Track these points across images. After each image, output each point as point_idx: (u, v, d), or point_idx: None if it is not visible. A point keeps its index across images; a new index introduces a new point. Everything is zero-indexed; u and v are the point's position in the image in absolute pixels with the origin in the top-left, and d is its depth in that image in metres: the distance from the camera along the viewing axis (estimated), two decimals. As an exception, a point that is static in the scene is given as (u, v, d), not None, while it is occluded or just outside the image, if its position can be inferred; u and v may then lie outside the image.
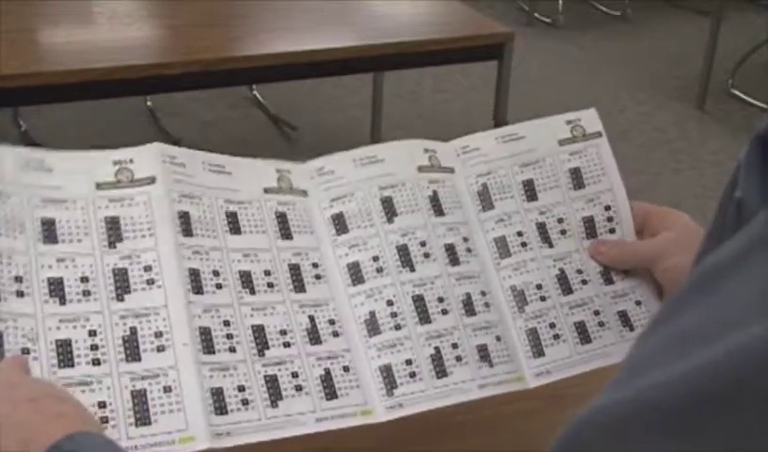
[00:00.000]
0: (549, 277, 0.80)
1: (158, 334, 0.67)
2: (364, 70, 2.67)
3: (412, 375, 0.73)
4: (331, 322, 0.73)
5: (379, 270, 0.76)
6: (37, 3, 2.24)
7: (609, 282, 0.81)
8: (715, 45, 3.64)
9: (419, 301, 0.75)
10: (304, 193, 0.77)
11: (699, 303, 0.34)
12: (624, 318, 0.81)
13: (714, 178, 3.21)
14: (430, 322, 0.75)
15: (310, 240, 0.76)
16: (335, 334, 0.73)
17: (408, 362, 0.73)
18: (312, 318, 0.72)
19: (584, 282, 0.81)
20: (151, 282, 0.69)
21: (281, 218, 0.75)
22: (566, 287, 0.80)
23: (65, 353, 0.65)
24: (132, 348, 0.66)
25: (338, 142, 3.28)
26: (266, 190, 0.76)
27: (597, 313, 0.80)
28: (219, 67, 2.04)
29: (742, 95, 3.78)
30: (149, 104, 3.37)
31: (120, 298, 0.68)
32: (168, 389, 0.66)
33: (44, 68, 1.96)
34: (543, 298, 0.79)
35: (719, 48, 3.66)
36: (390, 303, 0.75)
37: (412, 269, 0.76)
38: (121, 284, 0.68)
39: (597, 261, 0.82)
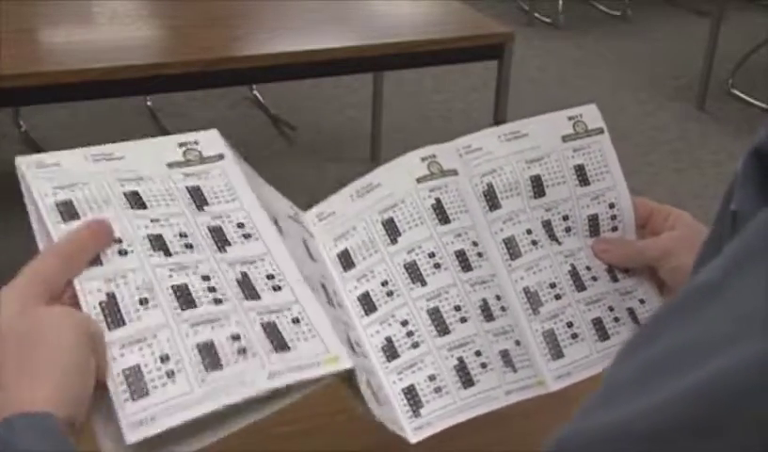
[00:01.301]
0: (561, 274, 0.79)
1: (270, 276, 0.68)
2: (364, 70, 2.67)
3: (437, 390, 0.72)
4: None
5: (390, 294, 0.75)
6: (37, 3, 2.24)
7: (615, 279, 0.81)
8: (715, 45, 3.64)
9: (435, 314, 0.74)
10: (311, 235, 0.77)
11: (679, 326, 0.34)
12: (633, 315, 0.80)
13: (714, 178, 3.21)
14: (449, 332, 0.74)
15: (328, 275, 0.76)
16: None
17: (432, 377, 0.72)
18: None
19: (594, 278, 0.80)
20: (247, 236, 0.69)
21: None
22: (579, 284, 0.79)
23: (184, 296, 0.64)
24: (249, 289, 0.66)
25: (338, 142, 3.29)
26: None
27: (611, 308, 0.80)
28: (219, 67, 2.04)
29: (742, 95, 3.78)
30: (149, 103, 3.37)
31: (222, 250, 0.68)
32: (296, 320, 0.66)
33: (44, 68, 1.96)
34: (558, 297, 0.78)
35: (719, 48, 3.66)
36: (404, 323, 0.74)
37: (423, 283, 0.75)
38: (219, 239, 0.68)
39: (601, 259, 0.81)
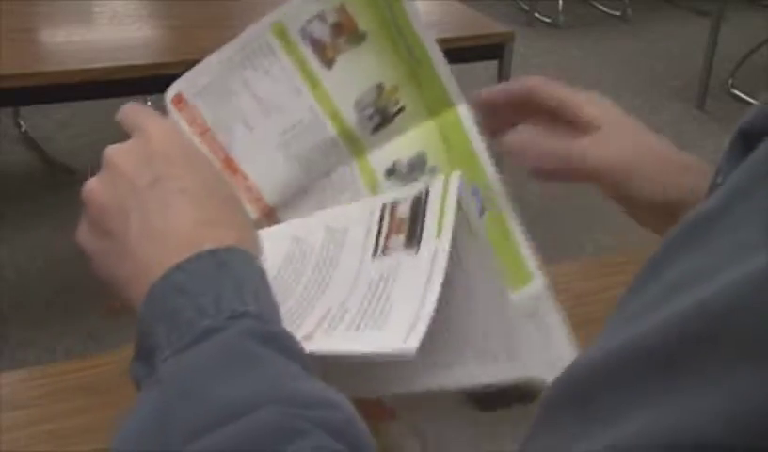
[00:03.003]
0: None
1: None
2: (364, 70, 2.67)
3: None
4: None
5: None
6: (37, 3, 2.24)
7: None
8: (715, 45, 3.64)
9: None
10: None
11: (687, 252, 0.34)
12: None
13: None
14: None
15: None
16: None
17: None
18: None
19: None
20: None
21: None
22: None
23: None
24: None
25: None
26: None
27: None
28: (219, 67, 2.04)
29: (742, 95, 3.79)
30: (149, 103, 3.36)
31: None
32: None
33: (44, 68, 1.96)
34: None
35: (719, 48, 3.66)
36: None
37: None
38: None
39: (516, 160, 0.71)
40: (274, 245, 0.67)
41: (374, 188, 0.71)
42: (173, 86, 0.68)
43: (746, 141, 0.39)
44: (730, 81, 3.87)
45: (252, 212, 0.69)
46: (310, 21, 0.70)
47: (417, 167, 0.71)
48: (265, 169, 0.70)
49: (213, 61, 0.69)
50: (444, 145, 0.71)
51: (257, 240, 0.62)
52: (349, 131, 0.70)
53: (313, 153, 0.70)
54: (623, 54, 4.30)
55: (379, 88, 0.71)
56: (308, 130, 0.70)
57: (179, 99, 0.68)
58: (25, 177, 3.09)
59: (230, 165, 0.69)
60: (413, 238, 0.60)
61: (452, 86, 0.71)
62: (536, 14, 4.61)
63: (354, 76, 0.70)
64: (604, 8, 4.83)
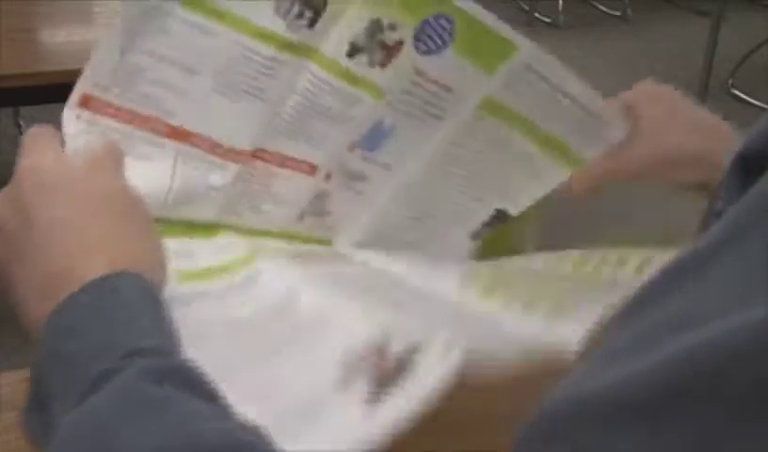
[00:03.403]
0: None
1: None
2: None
3: None
4: None
5: None
6: (37, 3, 2.24)
7: None
8: (715, 45, 3.64)
9: None
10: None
11: (677, 292, 0.33)
12: None
13: (714, 178, 3.20)
14: None
15: None
16: None
17: None
18: None
19: None
20: None
21: None
22: None
23: None
24: None
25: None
26: None
27: None
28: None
29: (742, 95, 3.78)
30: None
31: None
32: None
33: (44, 68, 1.96)
34: None
35: (719, 48, 3.66)
36: None
37: None
38: None
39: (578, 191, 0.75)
40: (275, 279, 0.67)
41: (345, 75, 0.70)
42: (75, 90, 0.64)
43: (745, 166, 0.39)
44: (730, 81, 3.87)
45: (228, 165, 0.68)
46: None
47: (376, 32, 0.69)
48: (220, 118, 0.67)
49: (106, 49, 0.64)
50: None
51: (159, 257, 0.59)
52: (284, 40, 0.67)
53: (260, 80, 0.67)
54: (623, 54, 4.30)
55: None
56: (240, 62, 0.66)
57: (87, 100, 0.65)
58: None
59: (178, 133, 0.66)
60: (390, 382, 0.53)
61: None
62: (536, 14, 4.60)
63: None
64: (604, 8, 4.82)
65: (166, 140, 0.66)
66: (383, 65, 0.70)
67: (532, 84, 0.74)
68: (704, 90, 3.71)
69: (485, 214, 0.79)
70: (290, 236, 0.76)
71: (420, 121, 0.74)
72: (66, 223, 0.54)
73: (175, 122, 0.66)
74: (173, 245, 0.63)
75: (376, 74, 0.71)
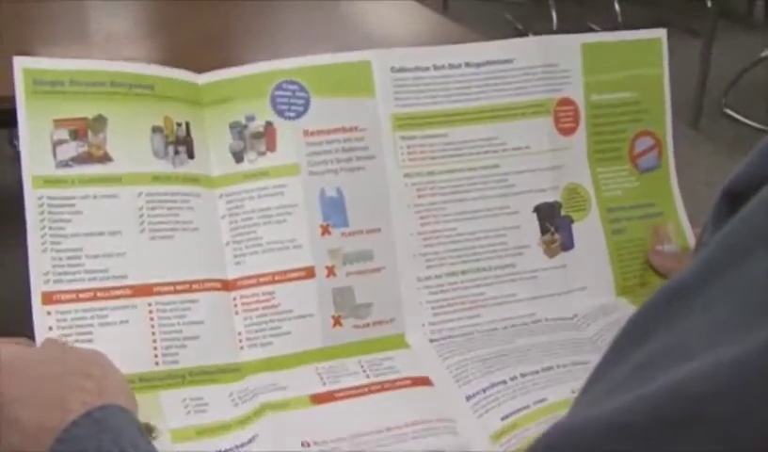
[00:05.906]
0: None
1: None
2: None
3: None
4: None
5: None
6: (34, 23, 2.25)
7: None
8: (708, 65, 3.65)
9: None
10: None
11: (665, 326, 0.34)
12: None
13: (708, 198, 3.20)
14: None
15: None
16: None
17: None
18: None
19: None
20: None
21: None
22: None
23: None
24: None
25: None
26: None
27: None
28: (214, 87, 2.04)
29: (735, 115, 3.80)
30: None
31: None
32: None
33: (40, 88, 1.96)
34: None
35: (712, 68, 3.67)
36: None
37: None
38: None
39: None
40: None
41: (248, 176, 0.72)
42: (33, 294, 0.68)
43: (731, 202, 0.39)
44: (723, 100, 3.88)
45: (200, 296, 0.70)
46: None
47: (241, 129, 0.73)
48: (167, 260, 0.70)
49: (33, 250, 0.72)
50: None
51: (126, 391, 0.64)
52: (179, 175, 0.71)
53: (181, 214, 0.71)
54: (617, 74, 4.31)
55: (160, 128, 0.71)
56: (153, 207, 0.70)
57: (49, 297, 0.68)
58: (19, 197, 3.07)
59: (142, 289, 0.69)
60: None
61: None
62: (531, 34, 4.62)
63: (132, 135, 0.71)
64: (598, 29, 4.85)
65: (134, 300, 0.68)
66: (272, 149, 0.72)
67: (417, 79, 0.76)
68: (698, 111, 3.72)
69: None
70: (332, 354, 0.74)
71: (356, 171, 0.73)
72: (20, 400, 0.61)
73: (133, 282, 0.69)
74: (174, 398, 0.67)
75: (275, 158, 0.72)
